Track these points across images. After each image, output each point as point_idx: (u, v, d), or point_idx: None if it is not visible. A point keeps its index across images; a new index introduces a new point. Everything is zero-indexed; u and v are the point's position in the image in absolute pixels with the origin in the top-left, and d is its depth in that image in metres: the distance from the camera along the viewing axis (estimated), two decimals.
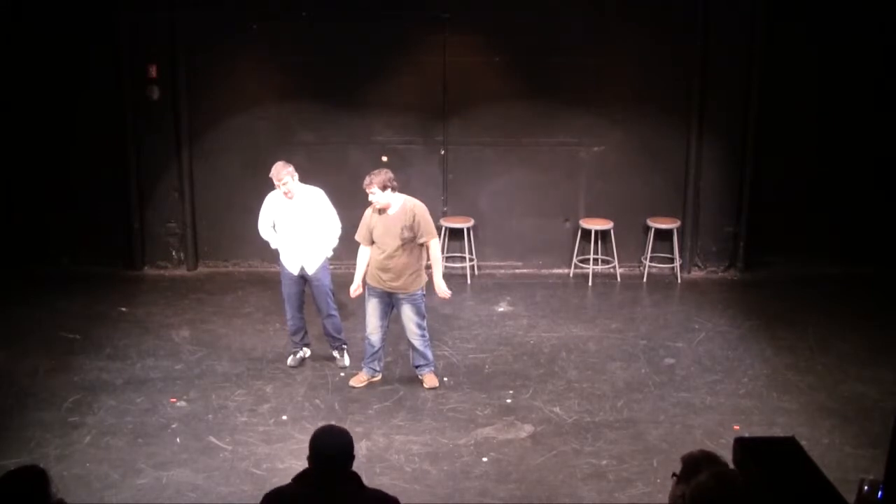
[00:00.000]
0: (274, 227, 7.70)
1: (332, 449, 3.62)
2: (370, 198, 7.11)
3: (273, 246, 7.79)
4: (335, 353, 7.92)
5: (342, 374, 7.72)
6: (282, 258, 7.72)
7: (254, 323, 8.90)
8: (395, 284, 7.21)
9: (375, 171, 7.13)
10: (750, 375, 7.76)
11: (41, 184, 10.27)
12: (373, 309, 7.38)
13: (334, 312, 7.80)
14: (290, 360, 7.91)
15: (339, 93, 10.10)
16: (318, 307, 7.79)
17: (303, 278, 7.69)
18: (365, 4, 9.85)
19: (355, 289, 7.40)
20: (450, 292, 7.50)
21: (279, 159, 10.18)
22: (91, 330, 8.63)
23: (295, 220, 7.57)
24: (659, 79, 10.05)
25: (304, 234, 7.57)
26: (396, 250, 7.11)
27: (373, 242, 7.23)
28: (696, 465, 3.42)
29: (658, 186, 10.34)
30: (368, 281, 7.33)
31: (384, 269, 7.19)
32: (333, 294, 7.80)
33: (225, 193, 10.27)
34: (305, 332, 7.93)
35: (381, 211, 7.16)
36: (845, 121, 10.07)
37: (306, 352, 7.98)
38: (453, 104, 10.14)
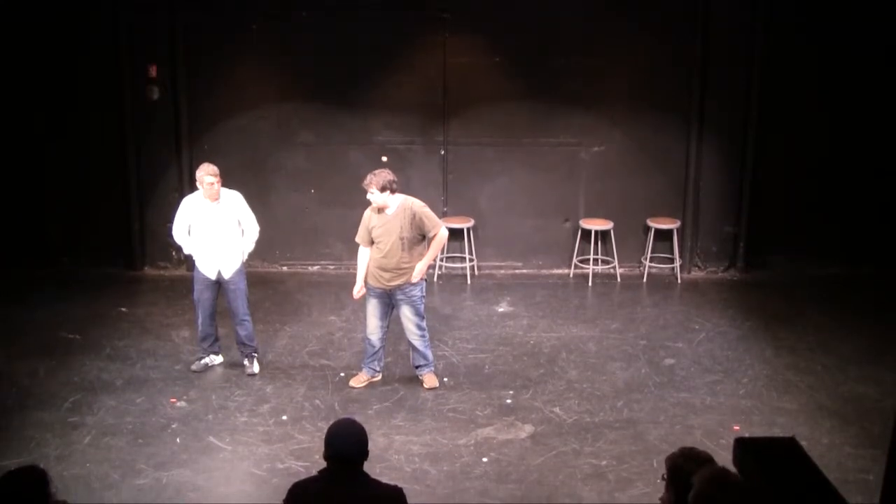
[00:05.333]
0: (189, 231, 7.56)
1: (347, 447, 3.75)
2: (368, 196, 7.11)
3: (186, 251, 7.69)
4: (245, 361, 7.75)
5: (342, 374, 7.72)
6: (197, 263, 7.60)
7: (253, 323, 8.87)
8: (395, 283, 7.22)
9: (377, 171, 7.13)
10: (750, 376, 7.76)
11: (41, 184, 10.28)
12: (373, 309, 7.38)
13: (247, 318, 7.69)
14: (194, 366, 7.77)
15: (340, 93, 10.09)
16: (233, 311, 7.67)
17: (217, 283, 7.60)
18: (365, 5, 9.85)
19: (358, 290, 7.41)
20: (420, 278, 7.25)
21: (280, 160, 10.33)
22: (91, 330, 8.62)
23: (216, 223, 7.47)
24: (659, 79, 10.04)
25: (224, 237, 7.49)
26: (396, 250, 7.11)
27: (373, 243, 7.24)
28: (681, 468, 3.42)
29: (658, 186, 10.33)
30: (368, 281, 7.32)
31: (384, 269, 7.19)
32: (248, 300, 7.74)
33: None
34: (216, 340, 7.82)
35: (380, 210, 7.16)
36: (845, 121, 10.07)
37: (213, 359, 7.84)
38: (453, 104, 10.14)
